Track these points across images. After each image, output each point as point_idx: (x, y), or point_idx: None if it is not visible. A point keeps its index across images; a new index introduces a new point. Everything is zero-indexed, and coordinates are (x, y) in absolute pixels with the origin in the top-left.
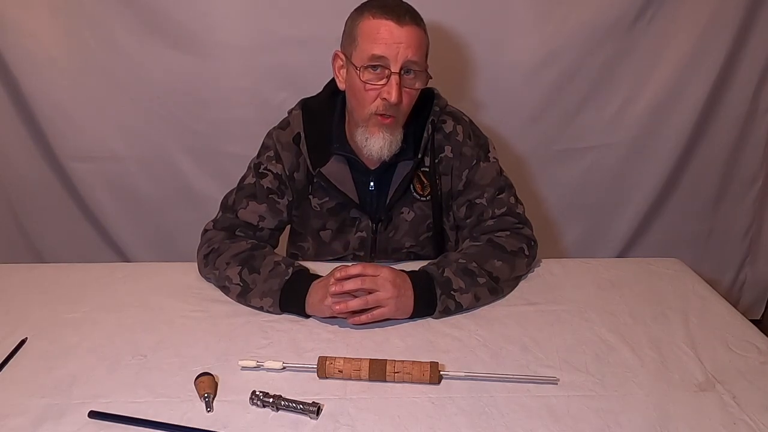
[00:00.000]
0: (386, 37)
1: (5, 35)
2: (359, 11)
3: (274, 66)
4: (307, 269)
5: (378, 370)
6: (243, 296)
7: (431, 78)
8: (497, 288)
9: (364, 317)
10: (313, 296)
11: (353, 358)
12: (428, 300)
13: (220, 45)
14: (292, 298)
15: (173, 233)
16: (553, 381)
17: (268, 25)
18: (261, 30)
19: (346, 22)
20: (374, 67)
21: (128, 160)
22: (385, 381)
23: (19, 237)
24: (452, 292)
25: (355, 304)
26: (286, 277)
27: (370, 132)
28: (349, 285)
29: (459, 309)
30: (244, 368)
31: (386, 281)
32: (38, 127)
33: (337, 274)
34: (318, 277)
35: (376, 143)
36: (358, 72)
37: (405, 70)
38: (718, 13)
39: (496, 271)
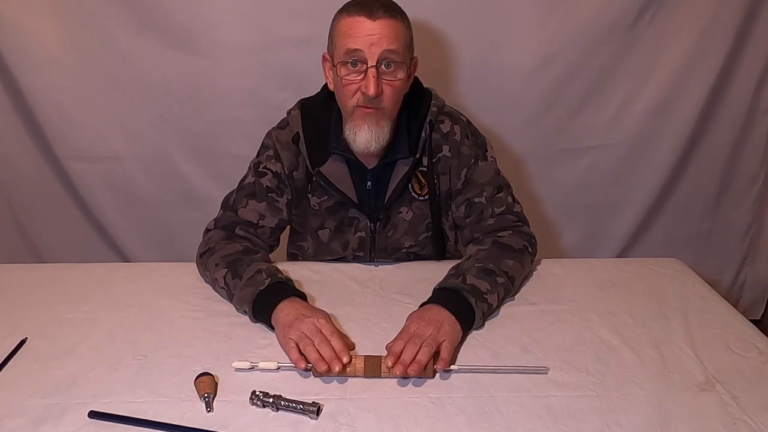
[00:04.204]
0: (359, 32)
1: (5, 35)
2: (338, 12)
3: (274, 66)
4: (289, 282)
5: (373, 367)
6: (229, 299)
7: (410, 71)
8: (512, 288)
9: (446, 355)
10: (284, 316)
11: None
12: (466, 313)
13: (220, 45)
14: (262, 309)
15: (173, 233)
16: (543, 371)
17: (268, 25)
18: (261, 30)
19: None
20: (352, 62)
21: (128, 160)
22: (380, 377)
23: (19, 237)
24: (484, 296)
25: (424, 357)
26: (261, 288)
27: (356, 125)
28: (407, 356)
29: (489, 311)
30: (238, 369)
31: (422, 327)
32: (38, 127)
33: (389, 361)
34: (300, 293)
35: (362, 136)
36: (336, 69)
37: (384, 62)
38: (718, 13)
39: (511, 270)
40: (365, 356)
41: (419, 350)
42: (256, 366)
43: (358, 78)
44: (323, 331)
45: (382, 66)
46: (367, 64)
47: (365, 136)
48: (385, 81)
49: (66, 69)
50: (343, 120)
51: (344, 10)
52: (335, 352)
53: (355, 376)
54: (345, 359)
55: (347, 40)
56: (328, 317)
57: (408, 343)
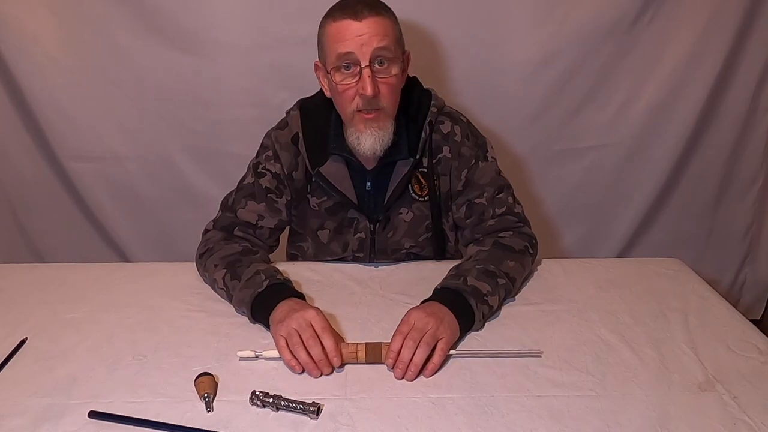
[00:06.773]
0: (348, 34)
1: (5, 35)
2: (323, 19)
3: (274, 66)
4: (288, 283)
5: (374, 353)
6: (229, 300)
7: (404, 65)
8: (512, 289)
9: (437, 359)
10: (278, 314)
11: (350, 343)
12: (466, 314)
13: (220, 45)
14: (261, 311)
15: (173, 233)
16: (537, 354)
17: (268, 25)
18: (261, 30)
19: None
20: (345, 66)
21: (128, 160)
22: (382, 363)
23: (19, 237)
24: (485, 298)
25: (420, 358)
26: (259, 289)
27: (359, 130)
28: (406, 353)
29: (490, 313)
30: (242, 359)
31: (422, 318)
32: (38, 127)
33: (389, 362)
34: (298, 294)
35: (367, 140)
36: (331, 75)
37: (377, 60)
38: (718, 13)
39: (512, 271)
40: (366, 343)
41: (416, 349)
42: (261, 355)
43: (354, 81)
44: (314, 326)
45: (375, 64)
46: (360, 65)
47: (370, 141)
48: (380, 80)
49: (66, 69)
50: (344, 125)
51: (329, 16)
52: (326, 354)
53: (357, 363)
54: (336, 363)
55: (337, 44)
56: (319, 311)
57: (406, 338)
